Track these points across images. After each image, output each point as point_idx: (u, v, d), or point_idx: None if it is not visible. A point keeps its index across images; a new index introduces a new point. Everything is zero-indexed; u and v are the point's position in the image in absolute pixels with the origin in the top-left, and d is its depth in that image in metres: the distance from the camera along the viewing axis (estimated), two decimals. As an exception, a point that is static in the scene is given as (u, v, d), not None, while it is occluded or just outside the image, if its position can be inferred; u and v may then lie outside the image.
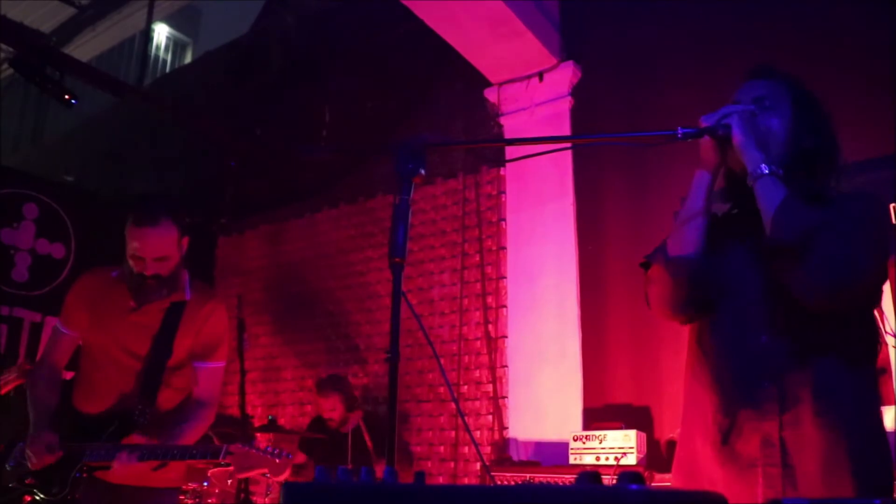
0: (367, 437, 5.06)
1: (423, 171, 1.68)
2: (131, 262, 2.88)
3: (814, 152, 1.95)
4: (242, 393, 4.70)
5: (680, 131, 1.88)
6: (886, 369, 3.75)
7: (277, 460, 2.62)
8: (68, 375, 3.12)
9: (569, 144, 5.10)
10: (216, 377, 3.09)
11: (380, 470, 1.19)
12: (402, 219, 1.62)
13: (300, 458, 5.32)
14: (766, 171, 1.84)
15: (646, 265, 2.08)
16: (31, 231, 6.24)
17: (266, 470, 2.63)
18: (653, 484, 3.79)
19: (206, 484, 4.71)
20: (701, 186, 1.98)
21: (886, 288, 3.77)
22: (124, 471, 2.68)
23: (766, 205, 1.83)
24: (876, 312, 1.96)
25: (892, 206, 3.45)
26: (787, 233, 1.77)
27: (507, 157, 5.46)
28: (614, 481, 0.96)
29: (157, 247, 2.85)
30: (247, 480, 4.36)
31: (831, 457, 1.73)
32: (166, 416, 2.97)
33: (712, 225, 1.99)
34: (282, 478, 2.69)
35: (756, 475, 1.78)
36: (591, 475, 0.95)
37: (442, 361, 5.56)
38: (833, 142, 1.99)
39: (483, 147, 5.81)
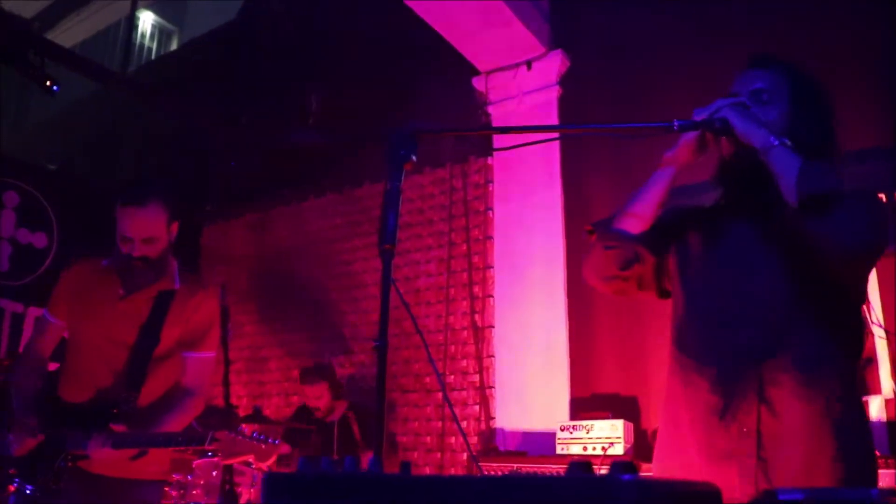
0: (355, 428, 5.03)
1: (414, 158, 1.66)
2: (120, 244, 2.90)
3: (812, 147, 1.90)
4: (226, 383, 4.67)
5: (676, 123, 1.86)
6: (873, 359, 3.77)
7: (263, 446, 2.61)
8: (53, 366, 3.10)
9: (557, 134, 5.09)
10: (205, 367, 3.07)
11: (366, 460, 1.17)
12: (392, 205, 1.59)
13: (285, 448, 5.30)
14: (777, 143, 1.81)
15: (590, 231, 2.11)
16: (11, 220, 6.16)
17: (252, 457, 2.62)
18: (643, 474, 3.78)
19: (190, 477, 4.68)
20: (662, 181, 2.00)
21: (873, 278, 3.79)
22: (103, 458, 2.67)
23: (783, 168, 1.78)
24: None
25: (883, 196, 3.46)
26: (818, 182, 1.73)
27: (496, 146, 5.44)
28: (604, 471, 0.95)
29: (144, 227, 2.87)
30: (231, 472, 4.33)
31: (811, 448, 1.73)
32: (152, 405, 2.94)
33: (700, 214, 2.02)
34: (268, 463, 2.69)
35: (732, 466, 1.77)
36: (582, 465, 0.94)
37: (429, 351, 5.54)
38: (832, 135, 1.97)
39: (471, 136, 5.77)
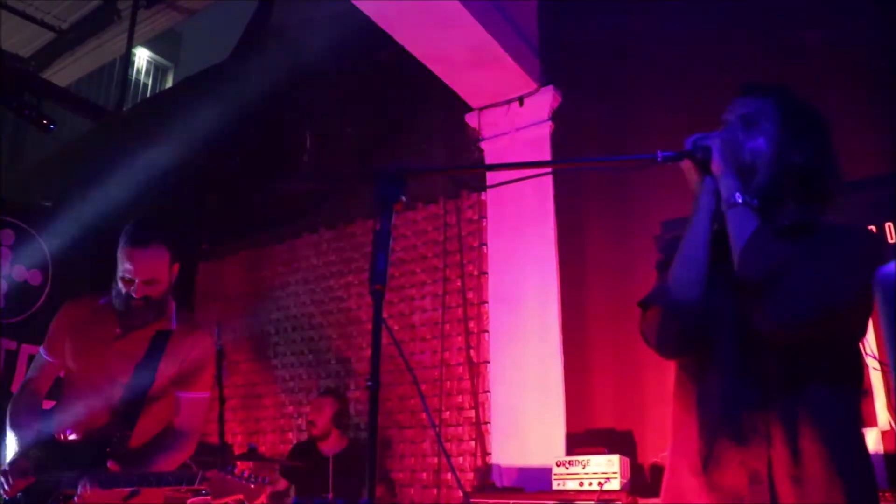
0: (354, 466, 4.99)
1: (403, 198, 1.67)
2: (121, 284, 2.90)
3: (803, 170, 1.86)
4: (221, 421, 4.64)
5: (660, 155, 1.84)
6: (868, 391, 3.76)
7: (253, 486, 2.61)
8: (48, 405, 3.08)
9: (549, 169, 5.12)
10: (198, 408, 3.06)
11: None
12: (382, 246, 1.60)
13: (281, 484, 5.24)
14: (739, 201, 1.80)
15: (644, 305, 1.98)
16: (7, 258, 6.16)
17: (242, 496, 2.61)
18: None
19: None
20: (705, 211, 1.88)
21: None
22: (93, 499, 2.64)
23: (735, 237, 1.79)
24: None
25: (889, 224, 3.48)
26: (752, 270, 1.74)
27: (489, 181, 5.46)
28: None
29: (147, 269, 2.88)
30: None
31: (823, 494, 1.67)
32: (144, 445, 2.93)
33: None
34: (258, 503, 2.67)
35: None
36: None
37: (423, 387, 5.52)
38: (826, 158, 1.90)
39: (464, 172, 5.81)
